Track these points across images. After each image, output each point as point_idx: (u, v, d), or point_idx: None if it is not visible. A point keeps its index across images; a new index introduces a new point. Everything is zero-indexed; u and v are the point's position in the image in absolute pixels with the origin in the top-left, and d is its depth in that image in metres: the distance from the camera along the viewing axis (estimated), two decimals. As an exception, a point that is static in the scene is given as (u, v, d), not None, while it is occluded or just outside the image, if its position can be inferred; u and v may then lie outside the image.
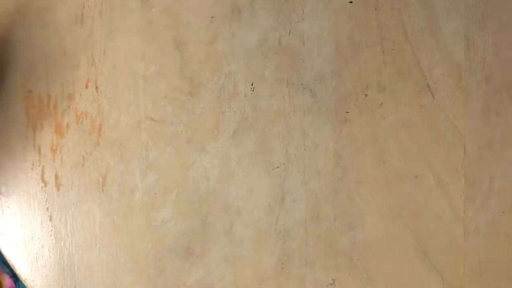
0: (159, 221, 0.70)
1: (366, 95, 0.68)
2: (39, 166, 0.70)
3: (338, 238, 0.69)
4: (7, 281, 0.71)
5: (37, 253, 0.71)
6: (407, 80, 0.68)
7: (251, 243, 0.70)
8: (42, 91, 0.70)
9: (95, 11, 0.69)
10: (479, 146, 0.67)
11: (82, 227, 0.71)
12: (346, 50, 0.68)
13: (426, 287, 0.68)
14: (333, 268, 0.70)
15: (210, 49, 0.69)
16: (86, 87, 0.70)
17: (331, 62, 0.68)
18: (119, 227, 0.70)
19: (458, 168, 0.68)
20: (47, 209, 0.71)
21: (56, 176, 0.71)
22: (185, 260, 0.70)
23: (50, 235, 0.71)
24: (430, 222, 0.68)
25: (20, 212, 0.71)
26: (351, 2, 0.68)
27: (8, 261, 0.69)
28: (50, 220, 0.71)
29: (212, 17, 0.69)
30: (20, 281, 0.69)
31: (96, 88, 0.70)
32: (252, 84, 0.69)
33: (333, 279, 0.70)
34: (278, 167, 0.69)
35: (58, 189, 0.71)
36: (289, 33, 0.68)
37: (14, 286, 0.70)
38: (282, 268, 0.70)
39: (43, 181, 0.71)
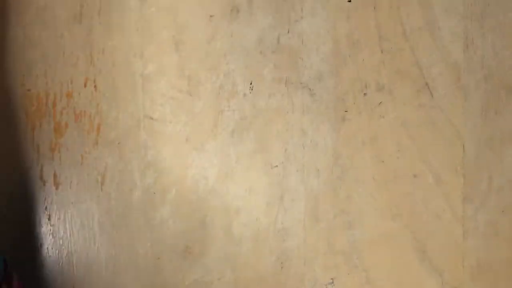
0: (158, 220, 0.70)
1: (364, 94, 0.68)
2: (37, 165, 0.71)
3: (337, 237, 0.69)
4: (15, 278, 0.71)
5: (35, 252, 0.71)
6: (406, 79, 0.68)
7: (250, 242, 0.70)
8: (41, 90, 0.70)
9: (94, 10, 0.69)
10: (478, 145, 0.67)
11: (81, 226, 0.71)
12: (345, 49, 0.68)
13: (425, 286, 0.68)
14: (332, 267, 0.70)
15: (208, 48, 0.69)
16: (85, 86, 0.70)
17: (329, 61, 0.68)
18: (118, 226, 0.70)
19: (457, 167, 0.68)
20: (46, 208, 0.71)
21: (55, 175, 0.71)
22: (184, 259, 0.70)
23: (49, 234, 0.71)
24: (429, 221, 0.68)
25: (19, 211, 0.71)
26: (349, 1, 0.68)
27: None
28: (49, 219, 0.71)
29: (211, 16, 0.69)
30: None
31: (95, 87, 0.70)
32: (251, 83, 0.69)
33: (332, 278, 0.70)
34: (277, 166, 0.69)
35: (56, 188, 0.71)
36: (288, 32, 0.69)
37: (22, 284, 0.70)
38: (281, 267, 0.70)
39: (42, 180, 0.71)
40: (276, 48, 0.69)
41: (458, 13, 0.67)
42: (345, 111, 0.69)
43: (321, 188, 0.69)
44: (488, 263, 0.68)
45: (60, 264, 0.71)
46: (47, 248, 0.71)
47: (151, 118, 0.69)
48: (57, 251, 0.71)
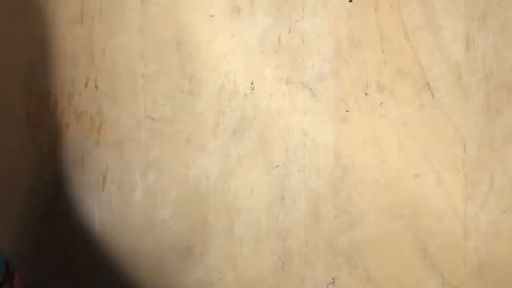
0: (159, 220, 0.70)
1: (366, 94, 0.68)
2: (38, 165, 0.71)
3: (338, 237, 0.69)
4: (17, 278, 0.71)
5: (37, 253, 0.71)
6: (407, 79, 0.68)
7: (251, 242, 0.70)
8: (42, 90, 0.70)
9: (94, 10, 0.69)
10: (479, 145, 0.67)
11: (82, 227, 0.71)
12: (346, 49, 0.68)
13: (426, 286, 0.68)
14: (334, 267, 0.70)
15: (210, 48, 0.69)
16: (86, 86, 0.70)
17: (331, 61, 0.68)
18: (119, 226, 0.70)
19: (458, 167, 0.68)
20: (47, 207, 0.71)
21: (56, 175, 0.71)
22: (185, 259, 0.70)
23: (51, 235, 0.71)
24: (430, 221, 0.68)
25: (21, 212, 0.71)
26: (350, 1, 0.68)
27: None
28: (51, 219, 0.71)
29: (212, 16, 0.69)
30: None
31: (96, 87, 0.70)
32: (252, 83, 0.69)
33: (333, 278, 0.70)
34: (278, 166, 0.69)
35: (57, 188, 0.71)
36: (289, 32, 0.68)
37: (23, 283, 0.70)
38: (282, 267, 0.70)
39: (44, 180, 0.71)
40: (277, 48, 0.69)
41: (459, 13, 0.67)
42: (346, 111, 0.69)
43: (322, 188, 0.69)
44: (489, 263, 0.68)
45: (63, 264, 0.71)
46: (49, 248, 0.71)
47: (152, 118, 0.69)
48: (58, 252, 0.71)
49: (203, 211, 0.70)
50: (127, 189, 0.70)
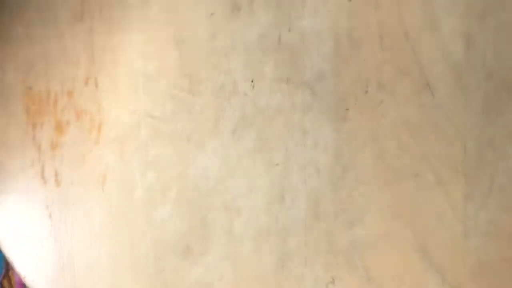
0: (159, 220, 0.70)
1: (366, 93, 0.68)
2: (38, 163, 0.71)
3: (338, 236, 0.69)
4: (16, 277, 0.71)
5: (36, 252, 0.71)
6: (407, 79, 0.68)
7: (251, 242, 0.70)
8: (42, 88, 0.70)
9: (95, 8, 0.69)
10: (479, 144, 0.67)
11: (82, 226, 0.71)
12: (346, 48, 0.68)
13: (426, 286, 0.68)
14: (333, 266, 0.69)
15: (209, 46, 0.69)
16: (86, 84, 0.70)
17: (330, 60, 0.68)
18: (119, 226, 0.70)
19: (458, 166, 0.68)
20: (47, 207, 0.71)
21: (56, 174, 0.71)
22: (184, 259, 0.70)
23: (50, 234, 0.71)
24: (430, 220, 0.68)
25: (20, 210, 0.71)
26: (350, 0, 0.68)
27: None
28: (50, 218, 0.71)
29: (212, 14, 0.69)
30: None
31: (96, 85, 0.70)
32: (252, 82, 0.69)
33: (333, 278, 0.70)
34: (278, 165, 0.69)
35: (58, 187, 0.71)
36: (289, 30, 0.69)
37: (23, 282, 0.70)
38: (282, 267, 0.70)
39: (43, 178, 0.71)
40: (277, 47, 0.69)
41: (460, 12, 0.67)
42: (346, 110, 0.69)
43: (322, 187, 0.69)
44: (489, 263, 0.67)
45: (61, 264, 0.71)
46: (48, 248, 0.71)
47: (152, 117, 0.69)
48: (58, 251, 0.71)
49: (202, 211, 0.70)
50: (127, 188, 0.70)
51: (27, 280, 0.71)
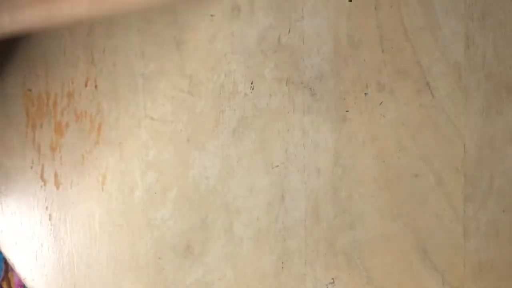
0: (159, 220, 0.70)
1: (366, 94, 0.68)
2: (38, 164, 0.71)
3: (338, 237, 0.69)
4: (16, 278, 0.71)
5: (36, 252, 0.71)
6: (407, 79, 0.68)
7: (251, 242, 0.70)
8: (42, 89, 0.70)
9: (94, 9, 0.69)
10: (479, 144, 0.67)
11: (82, 226, 0.71)
12: (346, 49, 0.68)
13: (425, 286, 0.68)
14: (333, 267, 0.70)
15: (209, 48, 0.69)
16: (86, 85, 0.70)
17: (330, 60, 0.68)
18: (119, 226, 0.70)
19: (458, 167, 0.68)
20: (47, 208, 0.71)
21: (56, 175, 0.71)
22: (185, 259, 0.70)
23: (50, 234, 0.71)
24: (430, 221, 0.68)
25: (20, 211, 0.71)
26: (350, 0, 0.68)
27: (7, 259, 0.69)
28: (50, 219, 0.71)
29: (212, 15, 0.69)
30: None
31: (96, 86, 0.70)
32: (251, 83, 0.69)
33: (333, 278, 0.70)
34: (277, 166, 0.69)
35: (57, 188, 0.71)
36: (289, 31, 0.68)
37: (22, 283, 0.70)
38: (282, 267, 0.70)
39: (43, 179, 0.71)
40: (277, 48, 0.69)
41: (459, 13, 0.67)
42: (346, 111, 0.69)
43: (322, 188, 0.69)
44: (489, 263, 0.67)
45: (61, 263, 0.71)
46: (48, 248, 0.71)
47: (152, 118, 0.69)
48: (57, 251, 0.71)
49: (203, 211, 0.70)
50: (127, 189, 0.70)
51: (27, 280, 0.71)
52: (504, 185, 0.67)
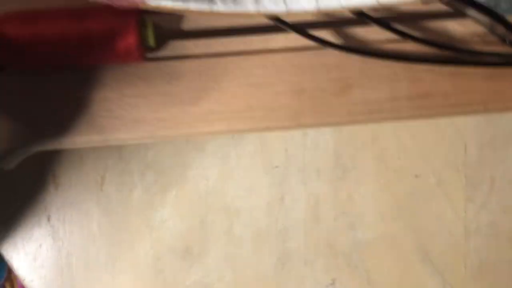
0: (158, 221, 0.70)
1: (366, 94, 0.68)
2: (37, 165, 0.70)
3: (338, 238, 0.69)
4: (19, 279, 0.70)
5: (35, 253, 0.71)
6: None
7: (251, 243, 0.70)
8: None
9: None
10: (480, 145, 0.67)
11: (81, 227, 0.70)
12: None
13: (426, 287, 0.68)
14: (333, 268, 0.69)
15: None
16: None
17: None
18: (118, 227, 0.70)
19: (459, 167, 0.68)
20: (45, 208, 0.71)
21: (54, 176, 0.70)
22: (184, 260, 0.70)
23: (48, 235, 0.71)
24: (430, 221, 0.68)
25: (18, 211, 0.71)
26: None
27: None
28: (48, 219, 0.71)
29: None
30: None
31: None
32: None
33: (333, 279, 0.70)
34: (277, 166, 0.69)
35: (56, 188, 0.70)
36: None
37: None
38: (282, 268, 0.70)
39: (41, 180, 0.71)
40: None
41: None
42: (346, 111, 0.68)
43: (322, 188, 0.69)
44: (490, 264, 0.67)
45: (60, 264, 0.71)
46: (46, 248, 0.71)
47: (151, 118, 0.69)
48: (56, 252, 0.71)
49: (202, 212, 0.70)
50: (126, 189, 0.70)
51: (26, 281, 0.71)
52: (505, 186, 0.67)
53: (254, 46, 0.59)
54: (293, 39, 0.58)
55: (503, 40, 0.56)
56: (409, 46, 0.58)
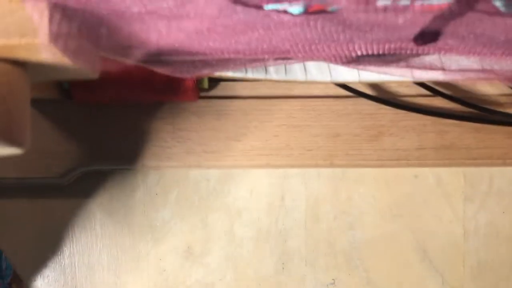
0: (160, 221, 0.70)
1: (365, 95, 0.68)
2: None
3: (338, 237, 0.69)
4: (24, 282, 0.71)
5: (38, 253, 0.71)
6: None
7: (251, 243, 0.70)
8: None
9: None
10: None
11: (83, 227, 0.71)
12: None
13: (425, 286, 0.68)
14: (333, 267, 0.70)
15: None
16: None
17: (330, 62, 0.68)
18: (120, 227, 0.71)
19: (458, 167, 0.68)
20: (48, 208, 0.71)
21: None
22: (185, 260, 0.70)
23: (50, 235, 0.71)
24: (429, 221, 0.68)
25: (21, 211, 0.71)
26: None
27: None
28: (50, 219, 0.71)
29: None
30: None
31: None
32: (251, 84, 0.69)
33: (333, 279, 0.70)
34: (278, 166, 0.69)
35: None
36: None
37: None
38: (282, 268, 0.70)
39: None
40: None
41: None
42: (346, 112, 0.69)
43: (322, 188, 0.69)
44: (488, 264, 0.68)
45: (62, 265, 0.71)
46: (49, 249, 0.71)
47: (153, 119, 0.70)
48: (59, 252, 0.71)
49: (203, 212, 0.70)
50: (128, 190, 0.70)
51: (28, 282, 0.71)
52: (504, 186, 0.67)
53: (296, 91, 0.65)
54: (332, 87, 0.64)
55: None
56: (438, 102, 0.64)
